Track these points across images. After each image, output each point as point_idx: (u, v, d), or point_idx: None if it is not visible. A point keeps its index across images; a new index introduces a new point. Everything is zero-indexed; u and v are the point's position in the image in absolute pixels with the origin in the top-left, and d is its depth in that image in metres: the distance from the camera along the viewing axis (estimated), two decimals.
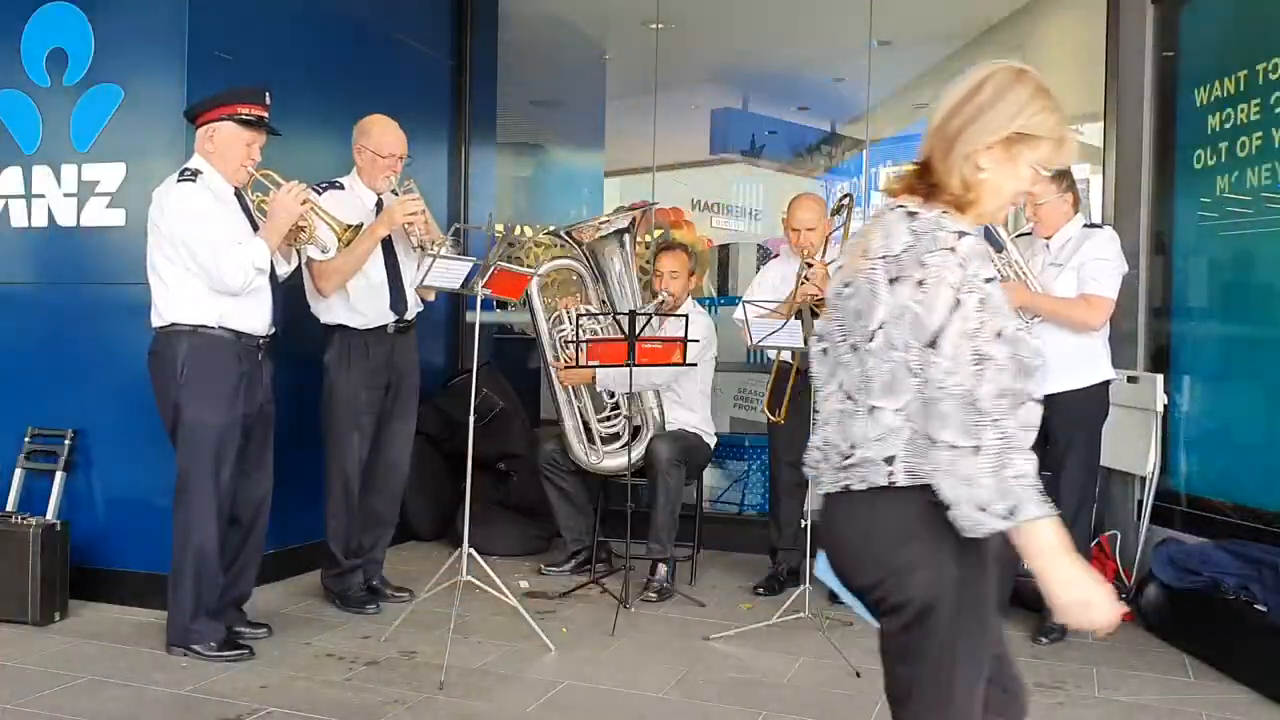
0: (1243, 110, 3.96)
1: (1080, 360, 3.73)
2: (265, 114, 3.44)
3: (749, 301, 4.02)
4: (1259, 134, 3.89)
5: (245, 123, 3.40)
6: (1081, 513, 3.77)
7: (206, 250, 3.30)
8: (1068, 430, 3.74)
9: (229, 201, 3.45)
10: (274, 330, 3.53)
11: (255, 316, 3.44)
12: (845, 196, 4.39)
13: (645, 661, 3.48)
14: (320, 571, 4.11)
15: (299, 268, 3.83)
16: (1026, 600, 4.05)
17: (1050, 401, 3.87)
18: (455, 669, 3.32)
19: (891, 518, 1.64)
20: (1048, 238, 3.81)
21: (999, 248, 3.84)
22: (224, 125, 3.40)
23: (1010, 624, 3.94)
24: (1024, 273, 3.76)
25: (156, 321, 3.41)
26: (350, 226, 3.51)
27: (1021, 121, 1.69)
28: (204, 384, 3.35)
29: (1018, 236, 3.87)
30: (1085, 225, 3.80)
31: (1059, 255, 3.77)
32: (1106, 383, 3.79)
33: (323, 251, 3.68)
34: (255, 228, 3.46)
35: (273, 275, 3.49)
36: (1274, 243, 3.84)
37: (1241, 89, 3.97)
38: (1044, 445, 3.82)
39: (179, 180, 3.35)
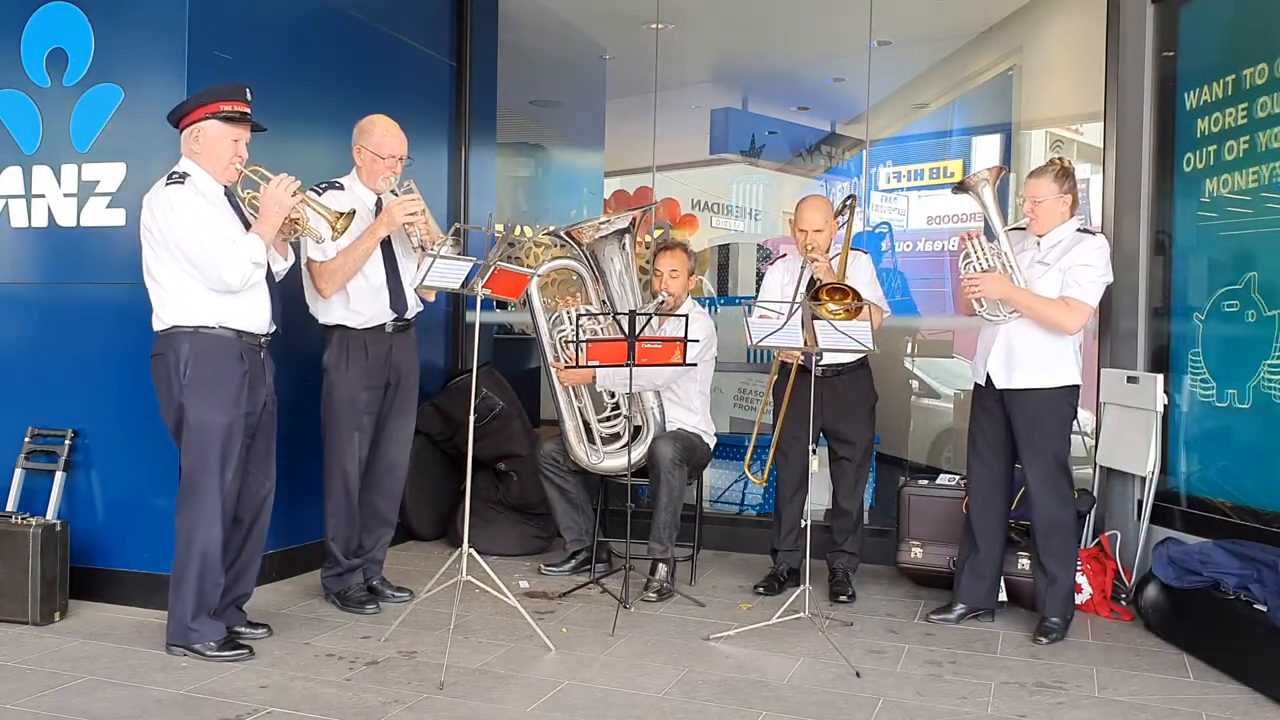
0: (1243, 110, 3.96)
1: (1049, 360, 3.74)
2: (248, 109, 3.43)
3: (761, 304, 4.02)
4: (1245, 137, 3.90)
5: (229, 119, 3.39)
6: (1054, 507, 3.76)
7: (200, 250, 3.29)
8: (1029, 428, 3.76)
9: (219, 201, 3.43)
10: (275, 328, 3.53)
11: (255, 315, 3.44)
12: (849, 198, 4.40)
13: (645, 661, 3.48)
14: (320, 571, 4.11)
15: (298, 269, 3.83)
16: (1025, 600, 4.07)
17: (1014, 396, 3.91)
18: (455, 669, 3.32)
19: None
20: (1040, 235, 3.81)
21: (991, 237, 3.85)
22: (208, 124, 3.39)
23: (1010, 624, 3.95)
24: (1010, 265, 3.77)
25: (157, 325, 3.41)
26: (343, 215, 3.50)
27: None
28: (207, 384, 3.35)
29: (1011, 230, 3.87)
30: (1079, 230, 3.80)
31: (1048, 255, 3.77)
32: (1074, 388, 3.79)
33: (317, 242, 3.68)
34: (247, 225, 3.45)
35: (269, 274, 3.48)
36: (1274, 243, 3.84)
37: (1243, 89, 3.97)
38: (1008, 434, 3.83)
39: (167, 184, 3.34)
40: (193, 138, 3.41)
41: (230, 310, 3.38)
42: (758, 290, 4.64)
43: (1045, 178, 3.78)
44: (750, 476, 4.42)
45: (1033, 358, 3.75)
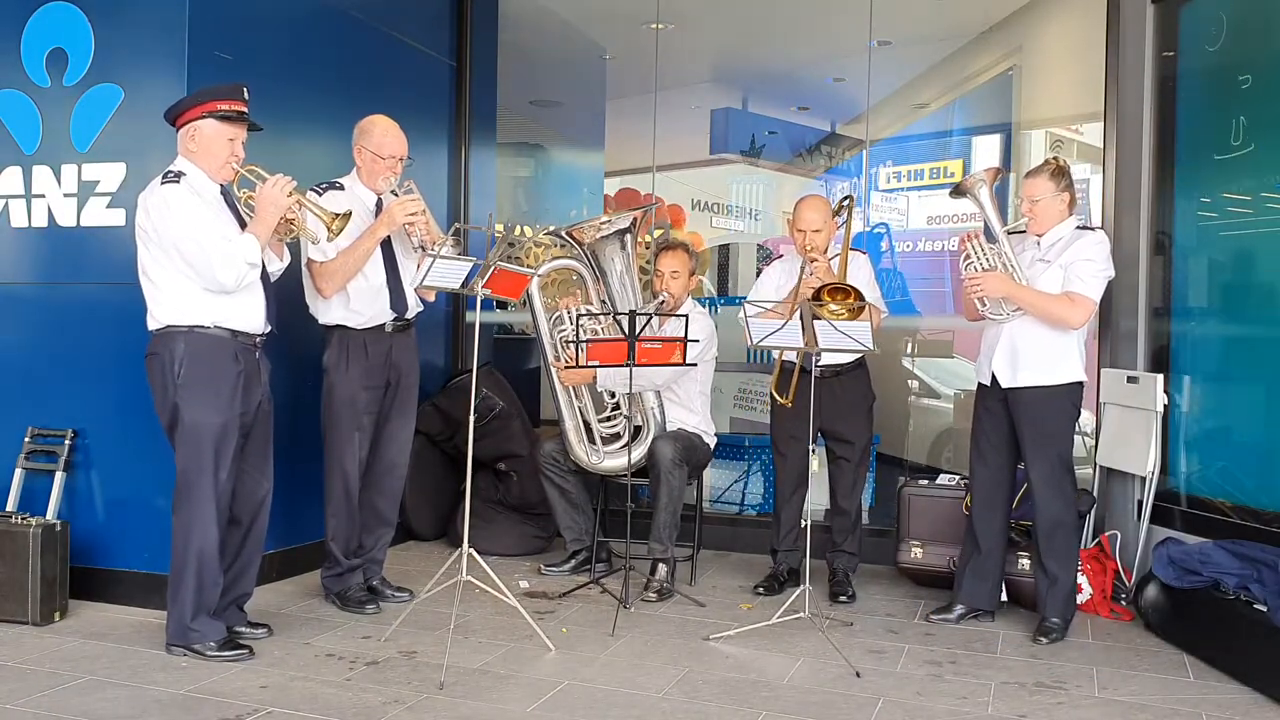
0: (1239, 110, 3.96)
1: (1054, 358, 3.73)
2: (245, 109, 3.43)
3: (751, 302, 4.02)
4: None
5: (226, 118, 3.39)
6: (1058, 507, 3.76)
7: (196, 250, 3.28)
8: (1034, 427, 3.75)
9: (215, 200, 3.43)
10: (270, 328, 3.52)
11: (250, 315, 3.43)
12: (846, 198, 4.40)
13: (645, 661, 3.48)
14: (320, 571, 4.11)
15: (296, 269, 3.83)
16: (1026, 600, 4.07)
17: (1018, 395, 3.91)
18: (455, 669, 3.32)
19: None
20: (1040, 235, 3.82)
21: (992, 239, 3.85)
22: (205, 123, 3.38)
23: (1010, 624, 3.95)
24: (1011, 265, 3.77)
25: (152, 324, 3.40)
26: (339, 215, 3.50)
27: None
28: (202, 384, 3.34)
29: (1010, 232, 3.87)
30: (1079, 226, 3.80)
31: (1048, 253, 3.78)
32: (1078, 385, 3.78)
33: (313, 243, 3.67)
34: (243, 225, 3.44)
35: (264, 274, 3.47)
36: (1274, 243, 3.84)
37: (1241, 89, 3.97)
38: (1011, 435, 3.83)
39: (163, 182, 3.33)
40: (189, 136, 3.40)
41: (225, 310, 3.37)
42: None
43: (1041, 176, 3.79)
44: (777, 398, 4.32)
45: (1037, 355, 3.74)
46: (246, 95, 3.43)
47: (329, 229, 3.50)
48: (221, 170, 3.42)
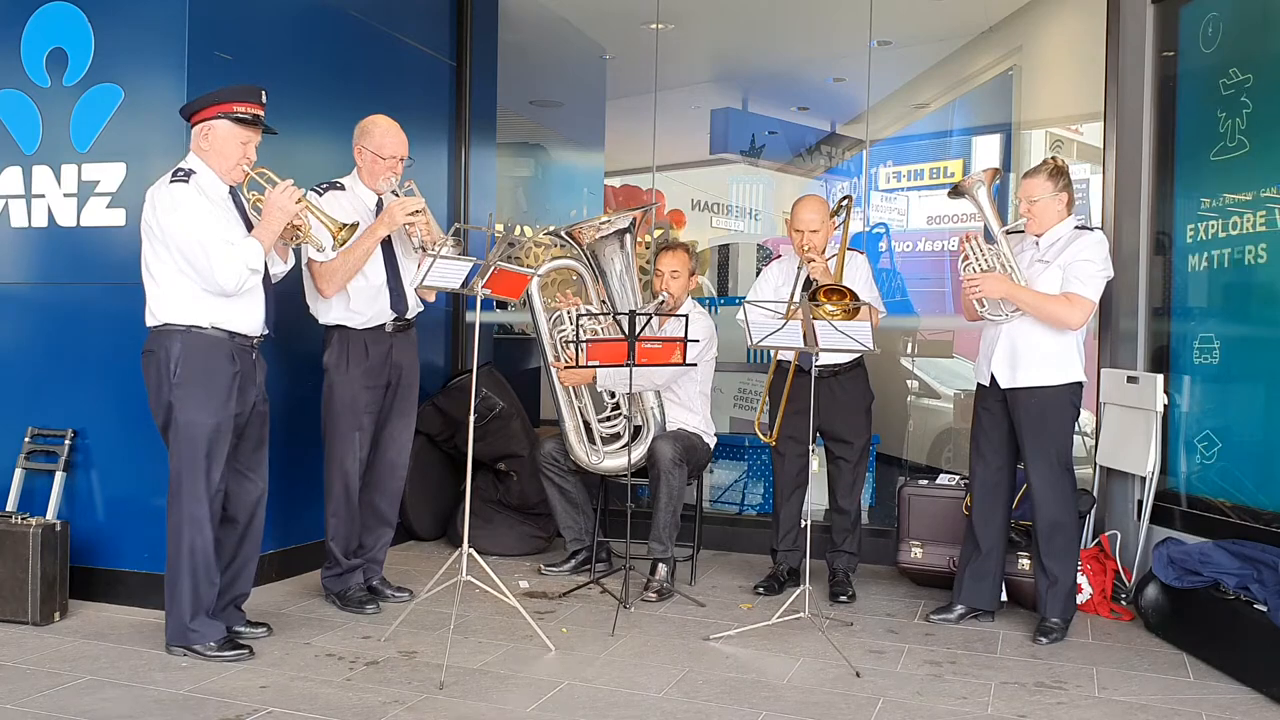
0: (1239, 110, 3.96)
1: (1053, 358, 3.73)
2: (261, 112, 3.43)
3: (751, 302, 4.02)
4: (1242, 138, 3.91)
5: (241, 121, 3.39)
6: (1057, 507, 3.76)
7: (199, 251, 3.28)
8: (1033, 427, 3.75)
9: (223, 201, 3.42)
10: (267, 331, 3.51)
11: (248, 317, 3.42)
12: (845, 198, 4.39)
13: (645, 661, 3.48)
14: (320, 571, 4.11)
15: (297, 268, 3.83)
16: (1026, 600, 4.07)
17: (1018, 395, 3.91)
18: (455, 669, 3.32)
19: None
20: (1038, 235, 3.82)
21: (990, 239, 3.85)
22: (219, 123, 3.38)
23: (1010, 624, 3.95)
24: (1010, 265, 3.77)
25: (150, 321, 3.40)
26: (345, 225, 3.50)
27: None
28: (196, 384, 3.34)
29: (1009, 232, 3.87)
30: (1077, 226, 3.81)
31: (1047, 253, 3.78)
32: (1078, 385, 3.78)
33: (318, 250, 3.67)
34: (250, 227, 3.44)
35: (266, 276, 3.47)
36: (1274, 243, 3.84)
37: (1241, 89, 3.97)
38: (1010, 435, 3.83)
39: (172, 180, 3.33)
40: (202, 135, 3.40)
41: (224, 312, 3.37)
42: None
43: (1039, 177, 3.79)
44: (761, 435, 4.37)
45: (1036, 356, 3.75)
46: (264, 99, 3.43)
47: (335, 238, 3.50)
48: (232, 172, 3.42)
